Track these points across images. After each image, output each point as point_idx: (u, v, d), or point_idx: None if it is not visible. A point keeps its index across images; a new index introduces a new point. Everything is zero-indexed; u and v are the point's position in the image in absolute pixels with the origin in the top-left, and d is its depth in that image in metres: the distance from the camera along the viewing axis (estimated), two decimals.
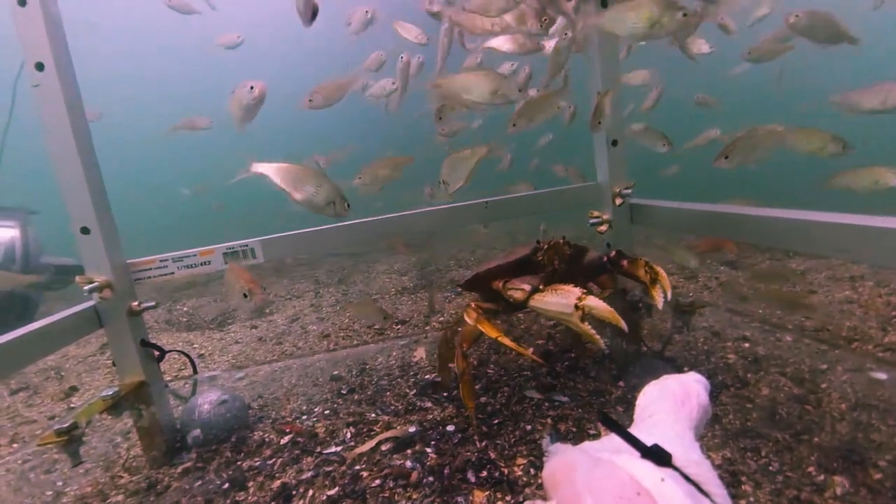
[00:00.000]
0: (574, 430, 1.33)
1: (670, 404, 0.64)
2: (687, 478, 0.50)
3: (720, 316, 2.13)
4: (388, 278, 3.90)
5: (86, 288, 1.34)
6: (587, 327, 1.03)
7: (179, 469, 1.40)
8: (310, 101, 1.60)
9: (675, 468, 0.51)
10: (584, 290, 1.07)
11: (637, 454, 0.54)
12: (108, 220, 1.40)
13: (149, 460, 1.46)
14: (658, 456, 0.52)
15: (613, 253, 1.34)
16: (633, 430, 0.59)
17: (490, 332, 1.20)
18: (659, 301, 1.17)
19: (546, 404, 1.47)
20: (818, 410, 1.32)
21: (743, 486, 1.06)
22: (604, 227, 1.63)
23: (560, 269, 1.31)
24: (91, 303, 1.38)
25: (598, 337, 1.05)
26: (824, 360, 1.60)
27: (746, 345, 1.78)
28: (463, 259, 4.30)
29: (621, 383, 1.55)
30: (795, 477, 1.07)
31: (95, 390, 2.37)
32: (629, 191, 1.60)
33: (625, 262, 1.29)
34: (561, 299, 1.06)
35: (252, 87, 1.28)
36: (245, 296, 1.29)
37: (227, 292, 1.34)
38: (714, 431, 1.26)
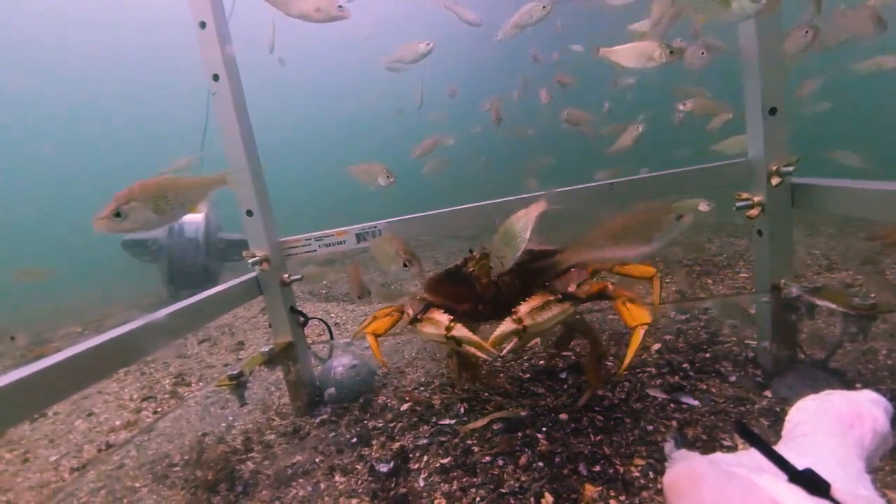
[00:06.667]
0: (703, 437, 1.20)
1: (834, 425, 0.54)
2: None
3: None
4: None
5: (250, 261, 1.60)
6: (463, 350, 1.07)
7: (317, 420, 1.61)
8: None
9: (834, 500, 0.43)
10: (452, 318, 1.04)
11: (784, 477, 0.47)
12: (267, 204, 1.65)
13: (294, 409, 1.71)
14: (812, 483, 0.44)
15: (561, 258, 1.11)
16: (780, 449, 0.51)
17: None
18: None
19: (671, 405, 1.35)
20: None
21: None
22: (754, 212, 1.39)
23: (505, 282, 1.16)
24: (253, 274, 1.65)
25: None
26: None
27: None
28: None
29: (768, 393, 1.35)
30: None
31: (256, 346, 2.85)
32: (790, 168, 1.33)
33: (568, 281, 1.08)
34: (433, 329, 1.06)
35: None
36: (405, 265, 1.20)
37: (383, 261, 1.25)
38: (895, 466, 1.03)
